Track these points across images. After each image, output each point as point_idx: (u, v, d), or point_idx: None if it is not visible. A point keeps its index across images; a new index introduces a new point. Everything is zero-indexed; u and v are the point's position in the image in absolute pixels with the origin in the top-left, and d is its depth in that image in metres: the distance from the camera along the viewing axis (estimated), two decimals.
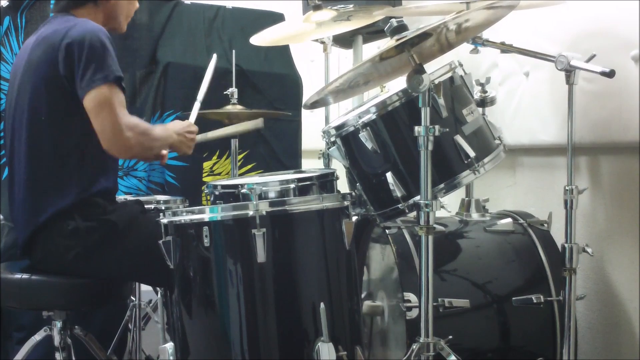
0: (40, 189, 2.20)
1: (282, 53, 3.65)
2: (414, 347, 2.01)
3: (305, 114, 3.64)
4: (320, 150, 2.61)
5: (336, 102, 2.73)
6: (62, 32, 2.17)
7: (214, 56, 2.80)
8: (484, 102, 2.56)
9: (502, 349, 2.41)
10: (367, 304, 2.51)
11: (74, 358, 2.35)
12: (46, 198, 2.19)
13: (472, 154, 2.13)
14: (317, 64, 3.63)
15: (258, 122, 2.76)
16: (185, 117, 2.58)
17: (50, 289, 2.25)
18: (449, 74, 2.19)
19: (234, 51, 3.14)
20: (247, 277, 2.02)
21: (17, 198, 2.27)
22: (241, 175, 3.37)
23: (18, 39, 3.08)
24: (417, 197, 2.05)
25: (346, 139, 2.25)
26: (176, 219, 2.06)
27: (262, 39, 2.76)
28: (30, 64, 2.23)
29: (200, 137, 2.49)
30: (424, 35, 2.02)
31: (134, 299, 2.88)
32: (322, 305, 1.95)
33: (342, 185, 2.31)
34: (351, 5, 2.73)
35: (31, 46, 2.26)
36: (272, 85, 3.60)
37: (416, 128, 1.98)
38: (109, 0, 2.32)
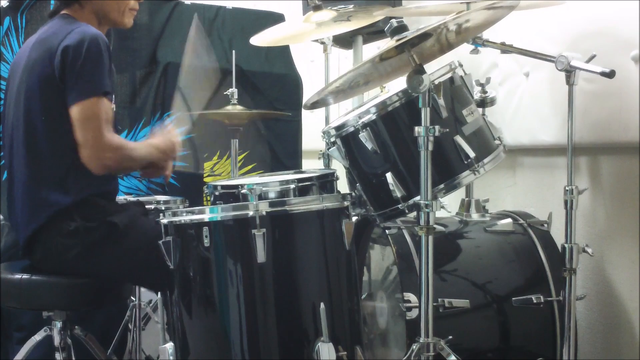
0: (39, 189, 2.20)
1: (282, 53, 3.65)
2: (414, 347, 2.01)
3: (305, 114, 3.65)
4: (320, 151, 2.61)
5: (336, 103, 2.73)
6: (61, 35, 2.17)
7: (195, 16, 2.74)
8: (484, 103, 2.56)
9: (502, 349, 2.41)
10: None
11: (74, 358, 2.35)
12: (45, 198, 2.18)
13: (472, 154, 2.13)
14: (317, 64, 3.62)
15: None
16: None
17: (50, 289, 2.25)
18: (449, 75, 2.19)
19: (234, 51, 3.14)
20: (247, 277, 2.02)
21: (16, 198, 2.27)
22: (241, 175, 3.37)
23: (18, 39, 3.08)
24: (417, 198, 2.05)
25: (346, 139, 2.25)
26: (176, 219, 2.06)
27: (262, 39, 2.76)
28: (29, 65, 2.22)
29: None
30: (424, 36, 2.02)
31: (134, 299, 2.87)
32: (322, 305, 1.95)
33: (342, 186, 2.31)
34: (351, 6, 2.74)
35: (30, 47, 2.26)
36: (272, 85, 3.60)
37: (416, 128, 1.98)
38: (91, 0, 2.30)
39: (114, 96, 2.28)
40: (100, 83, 2.13)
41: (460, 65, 2.26)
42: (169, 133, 2.40)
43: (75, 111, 2.12)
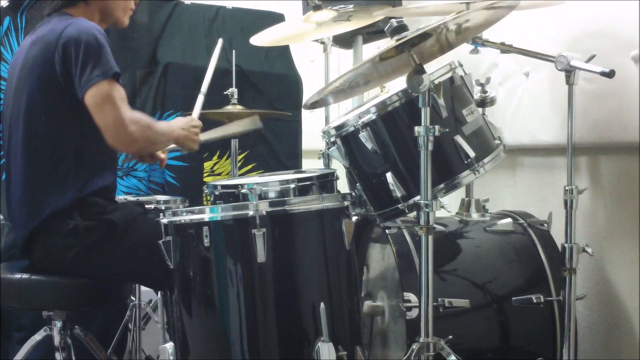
0: (37, 188, 2.20)
1: (282, 53, 3.65)
2: (414, 347, 2.01)
3: (305, 114, 3.65)
4: (320, 151, 2.61)
5: (336, 103, 2.73)
6: (58, 31, 2.17)
7: (220, 41, 2.77)
8: (484, 102, 2.56)
9: (502, 349, 2.41)
10: (367, 304, 2.51)
11: (74, 358, 2.35)
12: (44, 197, 2.18)
13: (472, 154, 2.13)
14: (317, 64, 3.63)
15: (256, 122, 2.74)
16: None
17: (50, 289, 2.25)
18: (449, 74, 2.19)
19: (234, 51, 3.14)
20: (247, 277, 2.02)
21: (14, 198, 2.27)
22: (241, 175, 3.37)
23: (18, 39, 3.08)
24: (417, 197, 2.05)
25: (346, 139, 2.25)
26: (176, 219, 2.06)
27: (262, 39, 2.76)
28: (27, 63, 2.23)
29: (204, 136, 2.48)
30: (424, 36, 2.02)
31: (134, 299, 2.88)
32: (322, 305, 1.95)
33: (342, 185, 2.31)
34: (351, 6, 2.74)
35: (28, 46, 2.26)
36: (272, 85, 3.60)
37: (416, 128, 1.98)
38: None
39: None
40: (106, 67, 2.13)
41: (460, 65, 2.26)
42: (186, 118, 2.42)
43: (88, 98, 2.12)
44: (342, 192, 2.19)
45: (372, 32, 3.13)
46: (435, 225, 2.02)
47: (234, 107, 2.99)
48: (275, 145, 3.62)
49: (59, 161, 2.19)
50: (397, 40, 2.03)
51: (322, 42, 3.04)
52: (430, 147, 1.97)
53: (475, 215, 2.63)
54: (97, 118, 2.13)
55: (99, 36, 2.16)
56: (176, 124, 2.36)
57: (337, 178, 2.27)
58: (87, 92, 2.12)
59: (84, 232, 2.17)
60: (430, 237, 2.00)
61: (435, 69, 2.16)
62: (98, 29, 2.19)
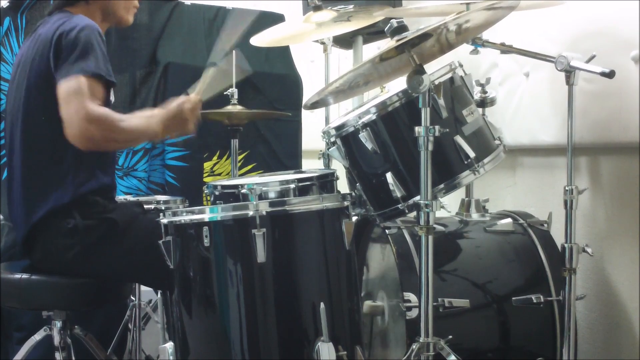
0: (36, 186, 2.20)
1: (282, 53, 3.65)
2: (414, 347, 2.02)
3: (305, 114, 3.65)
4: (321, 151, 2.61)
5: (336, 103, 2.73)
6: (54, 29, 2.17)
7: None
8: (484, 103, 2.57)
9: (502, 349, 2.41)
10: (367, 303, 2.52)
11: (74, 358, 2.35)
12: (43, 195, 2.18)
13: (472, 154, 2.13)
14: (317, 64, 3.63)
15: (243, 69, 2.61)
16: None
17: (50, 289, 2.25)
18: (449, 75, 2.19)
19: (234, 51, 3.14)
20: (247, 277, 2.02)
21: (15, 196, 2.27)
22: (241, 175, 3.37)
23: (18, 39, 3.08)
24: (417, 198, 2.05)
25: (346, 139, 2.25)
26: (176, 219, 2.06)
27: (262, 39, 2.76)
28: (26, 62, 2.23)
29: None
30: (424, 36, 2.02)
31: (134, 299, 2.88)
32: (322, 305, 1.95)
33: (342, 186, 2.31)
34: (351, 6, 2.74)
35: (27, 45, 2.27)
36: (272, 85, 3.60)
37: (416, 128, 1.98)
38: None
39: (112, 91, 2.26)
40: (91, 64, 2.08)
41: (460, 66, 2.26)
42: (180, 100, 2.28)
43: (59, 89, 2.07)
44: (342, 192, 2.19)
45: (372, 33, 3.13)
46: (435, 226, 2.02)
47: (234, 107, 2.99)
48: (275, 145, 3.62)
49: (58, 159, 2.18)
50: (397, 40, 2.03)
51: (322, 43, 3.04)
52: (430, 148, 1.97)
53: (475, 216, 2.63)
54: (62, 110, 2.06)
55: (92, 35, 2.13)
56: (160, 117, 2.21)
57: (337, 178, 2.27)
58: (60, 82, 2.07)
59: (84, 231, 2.17)
60: (430, 237, 2.00)
61: (436, 69, 2.16)
62: (93, 26, 2.17)
